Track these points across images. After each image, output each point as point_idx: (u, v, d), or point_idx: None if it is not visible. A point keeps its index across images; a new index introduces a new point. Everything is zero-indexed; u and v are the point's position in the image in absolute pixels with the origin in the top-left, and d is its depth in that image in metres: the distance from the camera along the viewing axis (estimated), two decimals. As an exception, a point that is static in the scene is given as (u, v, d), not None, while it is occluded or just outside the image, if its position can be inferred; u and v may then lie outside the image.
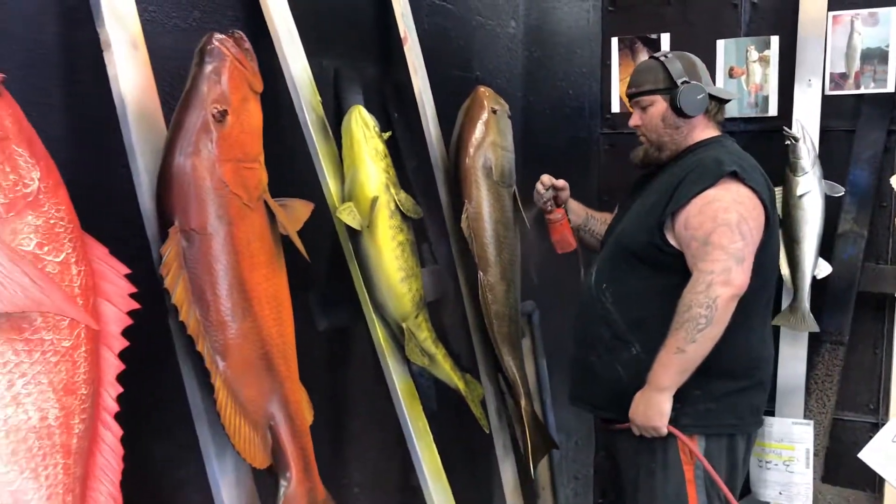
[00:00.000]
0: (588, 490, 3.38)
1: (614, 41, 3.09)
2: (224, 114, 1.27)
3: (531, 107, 2.97)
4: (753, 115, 2.86)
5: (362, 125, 1.73)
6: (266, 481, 1.45)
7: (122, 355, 1.12)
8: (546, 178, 2.30)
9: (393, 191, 1.76)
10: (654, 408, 1.91)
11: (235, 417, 1.28)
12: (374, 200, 1.71)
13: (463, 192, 2.10)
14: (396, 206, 1.76)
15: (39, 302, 0.90)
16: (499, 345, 2.17)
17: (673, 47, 2.93)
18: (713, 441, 2.00)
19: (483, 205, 2.10)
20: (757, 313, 2.03)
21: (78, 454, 1.01)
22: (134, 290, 1.12)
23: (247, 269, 1.31)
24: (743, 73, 2.85)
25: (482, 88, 2.17)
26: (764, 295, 2.05)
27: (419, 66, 2.18)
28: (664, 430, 1.93)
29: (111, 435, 1.08)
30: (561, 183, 2.30)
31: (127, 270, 1.12)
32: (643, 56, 3.03)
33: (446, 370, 1.93)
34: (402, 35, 2.13)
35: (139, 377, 1.17)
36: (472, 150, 2.10)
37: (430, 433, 1.89)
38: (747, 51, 2.85)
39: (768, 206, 1.94)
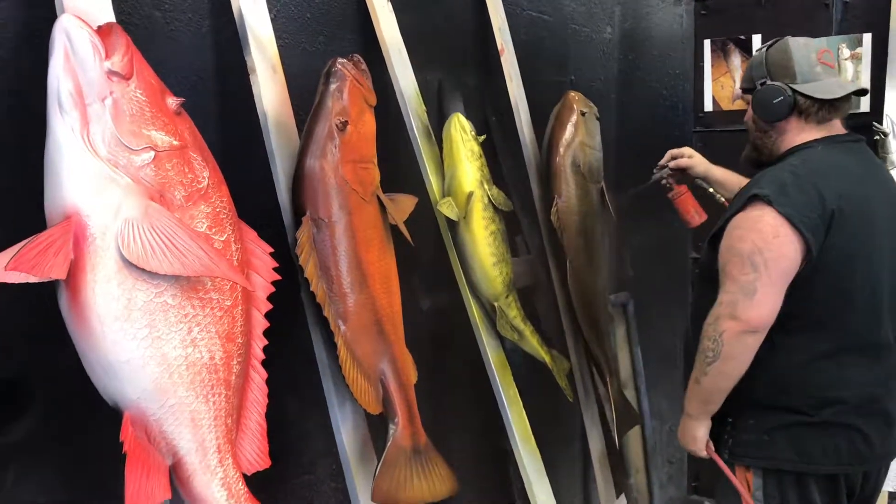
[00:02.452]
0: (682, 474, 3.51)
1: (706, 43, 3.21)
2: (345, 124, 1.56)
3: (625, 107, 3.14)
4: (845, 111, 2.91)
5: (460, 130, 1.99)
6: (378, 429, 1.73)
7: (266, 316, 1.42)
8: (668, 155, 2.35)
9: (486, 186, 2.00)
10: (687, 433, 1.88)
11: (353, 371, 1.58)
12: (470, 195, 1.97)
13: (553, 187, 2.33)
14: (489, 199, 2.01)
15: (211, 269, 1.21)
16: (587, 327, 2.39)
17: (765, 47, 3.02)
18: (771, 476, 1.83)
19: (572, 199, 2.32)
20: (828, 345, 1.78)
21: (235, 389, 1.32)
22: (276, 264, 1.42)
23: (363, 250, 1.60)
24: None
25: (572, 93, 2.39)
26: (837, 325, 1.79)
27: (514, 75, 2.42)
28: (702, 454, 1.88)
29: (258, 377, 1.39)
30: (677, 161, 2.32)
31: (271, 249, 1.42)
32: (735, 57, 3.15)
33: (533, 344, 2.16)
34: (499, 47, 2.37)
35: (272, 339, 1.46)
36: (562, 150, 2.33)
37: (520, 400, 2.12)
38: (839, 49, 2.91)
39: (804, 232, 1.69)
